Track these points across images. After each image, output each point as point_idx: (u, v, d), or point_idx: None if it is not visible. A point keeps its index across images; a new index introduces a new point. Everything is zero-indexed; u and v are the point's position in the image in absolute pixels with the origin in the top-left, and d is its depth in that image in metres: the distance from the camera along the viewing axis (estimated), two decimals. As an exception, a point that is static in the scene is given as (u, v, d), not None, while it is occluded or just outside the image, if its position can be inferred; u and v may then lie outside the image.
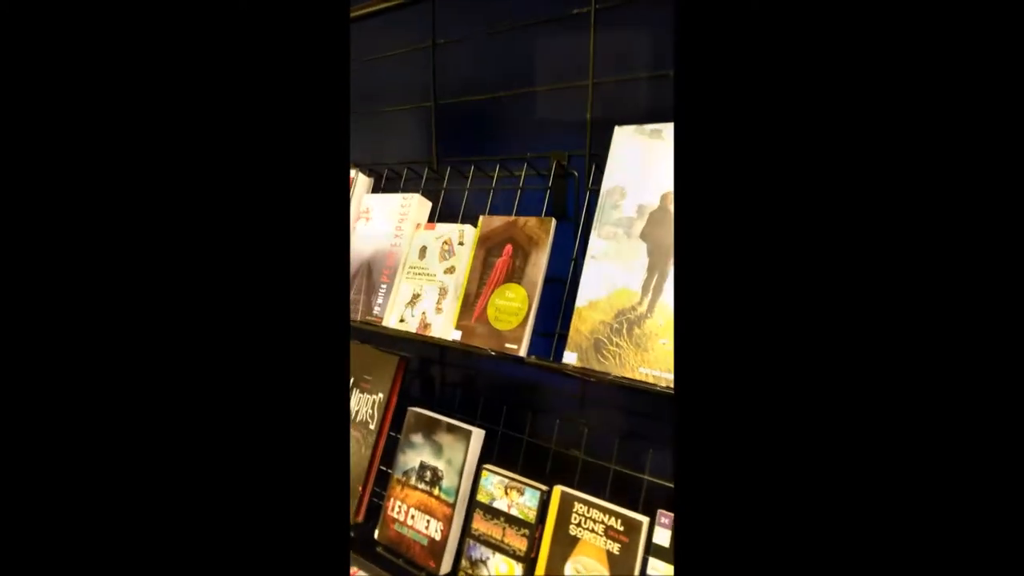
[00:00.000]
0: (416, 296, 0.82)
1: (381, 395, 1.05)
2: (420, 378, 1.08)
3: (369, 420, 1.05)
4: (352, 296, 0.89)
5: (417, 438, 0.99)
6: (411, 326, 0.80)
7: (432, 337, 0.77)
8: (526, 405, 0.94)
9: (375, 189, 0.99)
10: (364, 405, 1.08)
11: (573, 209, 0.83)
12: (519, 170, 0.88)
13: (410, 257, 0.85)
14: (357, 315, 0.87)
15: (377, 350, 1.09)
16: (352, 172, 0.98)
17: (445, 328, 0.77)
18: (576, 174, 0.81)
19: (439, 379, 1.08)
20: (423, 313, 0.80)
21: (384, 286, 0.86)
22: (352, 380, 1.11)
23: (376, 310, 0.85)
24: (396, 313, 0.83)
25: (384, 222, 0.90)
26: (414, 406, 1.02)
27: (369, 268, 0.89)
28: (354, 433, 1.06)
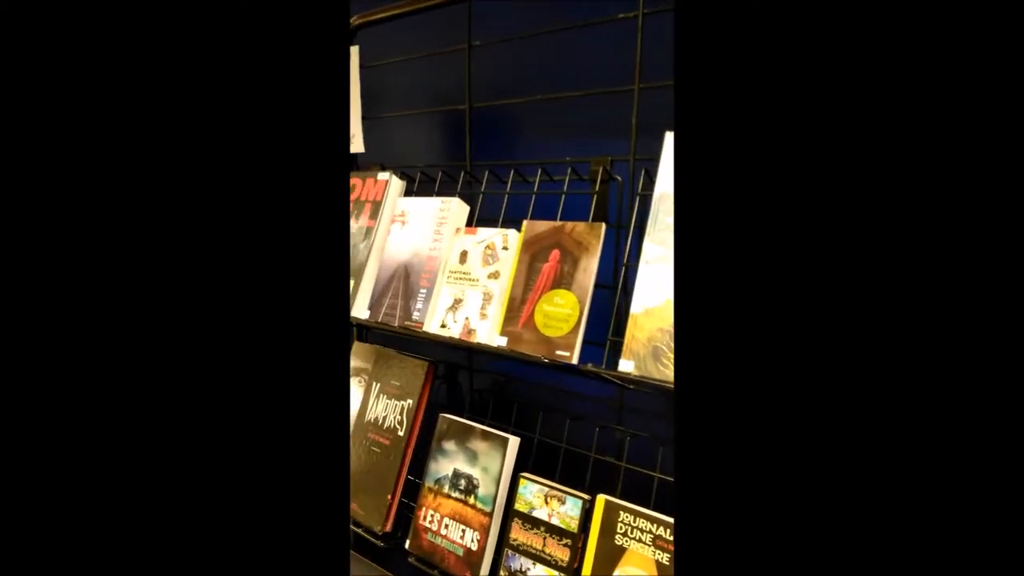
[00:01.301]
0: (458, 301, 0.80)
1: (410, 401, 1.04)
2: (449, 384, 1.07)
3: (397, 427, 1.04)
4: (388, 301, 0.88)
5: (449, 445, 0.98)
6: (453, 332, 0.79)
7: (477, 343, 0.76)
8: (560, 412, 0.93)
9: (407, 193, 0.97)
10: (392, 411, 1.06)
11: (615, 215, 0.82)
12: (558, 175, 0.87)
13: (450, 261, 0.83)
14: (395, 320, 0.85)
15: (405, 355, 1.08)
16: (385, 175, 0.96)
17: (490, 334, 0.76)
18: (620, 179, 0.81)
19: (469, 385, 1.07)
20: (466, 319, 0.78)
21: (423, 291, 0.84)
22: (378, 386, 1.09)
23: (416, 315, 0.83)
24: (437, 318, 0.81)
25: (422, 226, 0.88)
26: (444, 412, 1.00)
27: (406, 272, 0.88)
28: (381, 440, 1.04)
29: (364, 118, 1.11)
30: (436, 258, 0.85)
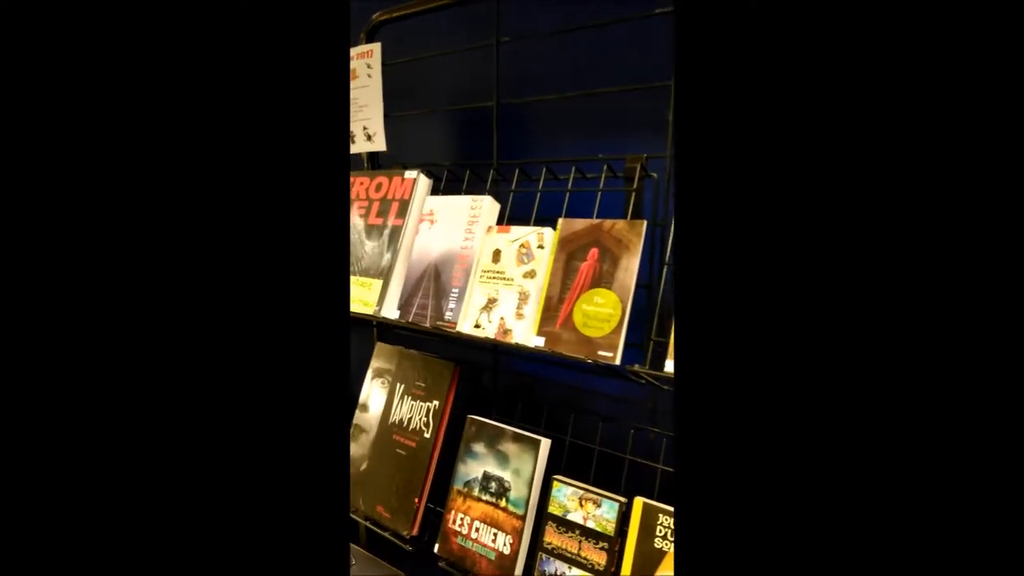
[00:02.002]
0: (492, 301, 0.79)
1: (436, 403, 1.02)
2: (476, 385, 1.05)
3: (423, 428, 1.02)
4: (419, 301, 0.86)
5: (479, 447, 0.96)
6: (488, 332, 0.77)
7: (515, 344, 0.74)
8: (592, 414, 0.91)
9: (433, 191, 0.96)
10: (417, 413, 1.05)
11: (650, 212, 0.81)
12: (590, 173, 0.85)
13: (483, 260, 0.82)
14: (426, 320, 0.84)
15: (430, 356, 1.06)
16: (413, 173, 0.95)
17: (527, 334, 0.74)
18: (655, 176, 0.79)
19: (496, 386, 1.05)
20: (501, 318, 0.77)
21: (455, 290, 0.83)
22: (402, 387, 1.08)
23: (448, 315, 0.82)
24: (471, 318, 0.80)
25: (452, 225, 0.87)
26: (471, 414, 0.99)
27: (436, 272, 0.86)
28: (406, 442, 1.02)
29: (386, 116, 1.10)
30: (468, 257, 0.83)
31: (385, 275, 0.91)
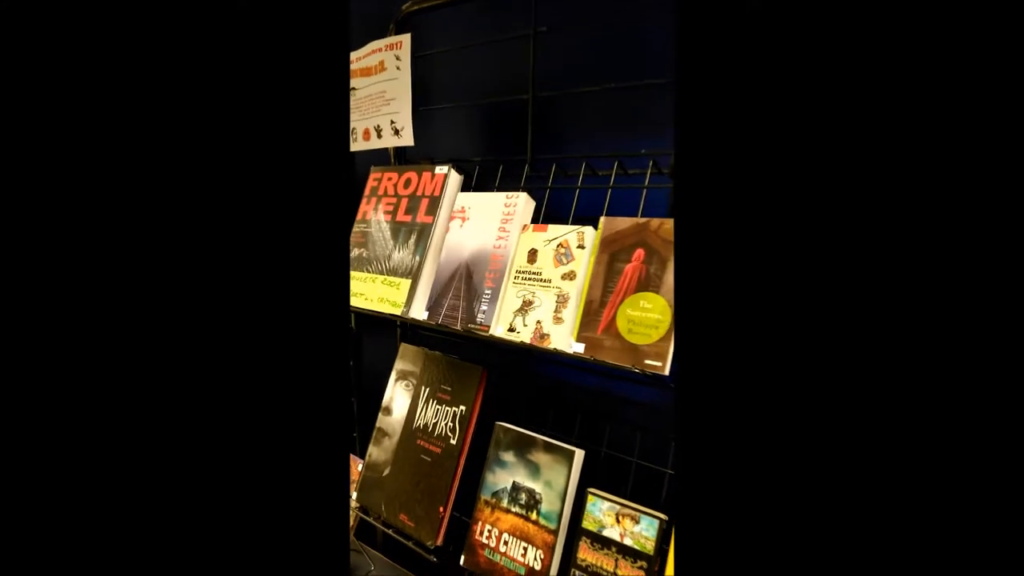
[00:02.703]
0: (528, 303, 0.75)
1: (463, 408, 0.98)
2: (504, 390, 1.01)
3: (449, 434, 0.98)
4: (449, 302, 0.82)
5: (508, 456, 0.92)
6: (524, 336, 0.73)
7: (554, 349, 0.70)
8: (627, 422, 0.87)
9: (465, 187, 0.92)
10: (442, 418, 1.01)
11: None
12: (632, 169, 0.81)
13: (518, 260, 0.78)
14: (457, 323, 0.80)
15: (454, 359, 1.02)
16: (444, 168, 0.91)
17: (565, 339, 0.70)
18: (704, 173, 0.74)
19: (526, 392, 1.01)
20: (538, 322, 0.72)
21: (488, 292, 0.79)
22: (427, 391, 1.04)
23: (480, 317, 0.78)
24: (504, 321, 0.76)
25: (484, 223, 0.83)
26: (498, 420, 0.95)
27: (468, 272, 0.82)
28: (431, 448, 0.99)
29: (415, 110, 1.06)
30: (502, 257, 0.79)
31: (414, 275, 0.87)
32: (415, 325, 0.86)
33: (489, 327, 0.77)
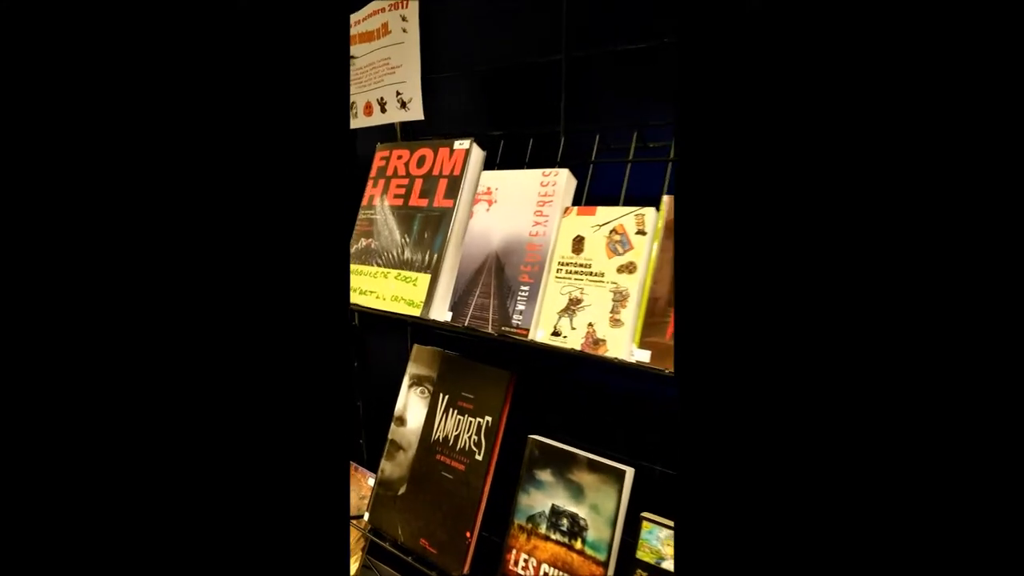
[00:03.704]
0: (575, 302, 0.62)
1: (489, 419, 0.87)
2: (536, 397, 0.89)
3: (475, 449, 0.87)
4: (477, 300, 0.70)
5: (544, 475, 0.81)
6: (573, 342, 0.61)
7: (611, 358, 0.58)
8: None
9: (488, 165, 0.79)
10: (465, 430, 0.89)
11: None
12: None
13: (560, 250, 0.65)
14: (487, 325, 0.68)
15: (476, 363, 0.90)
16: (465, 143, 0.78)
17: (625, 346, 0.58)
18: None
19: (561, 399, 0.89)
20: (590, 325, 0.60)
21: (525, 288, 0.66)
22: (446, 399, 0.92)
23: (516, 319, 0.65)
24: (547, 324, 0.63)
25: (517, 205, 0.70)
26: (530, 432, 0.83)
27: (499, 264, 0.70)
28: (454, 464, 0.87)
29: (424, 78, 0.92)
30: (540, 246, 0.67)
31: (433, 268, 0.75)
32: (439, 328, 0.74)
33: (528, 331, 0.64)
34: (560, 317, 0.63)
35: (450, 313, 0.72)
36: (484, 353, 0.91)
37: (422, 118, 0.95)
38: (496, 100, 0.94)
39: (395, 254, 0.80)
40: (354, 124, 1.09)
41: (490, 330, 0.67)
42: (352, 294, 0.83)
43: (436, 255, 0.75)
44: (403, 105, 0.97)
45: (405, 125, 1.02)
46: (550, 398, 0.90)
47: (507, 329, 0.66)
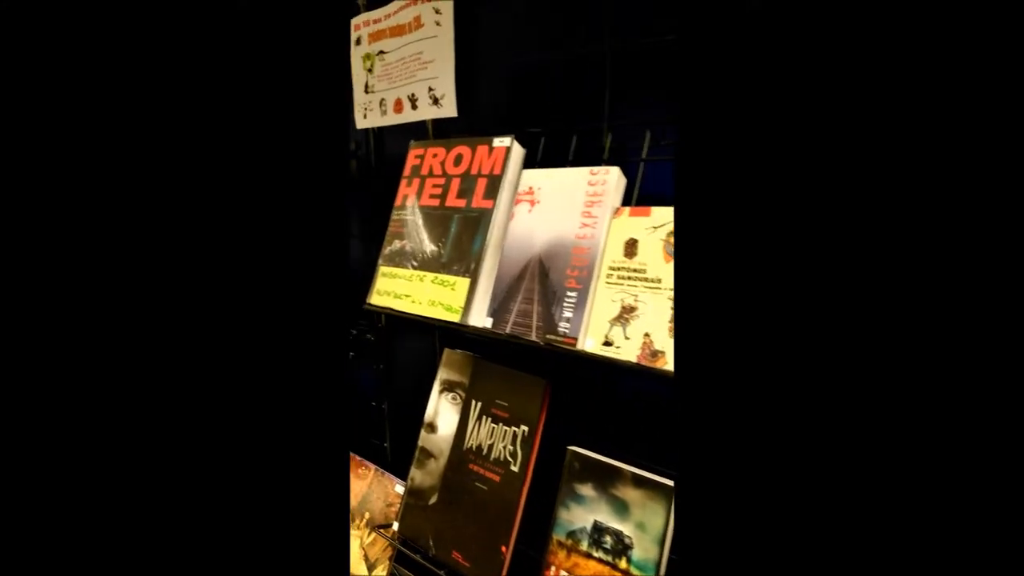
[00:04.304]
0: (629, 309, 0.59)
1: (525, 428, 0.83)
2: (574, 406, 0.86)
3: (510, 459, 0.83)
4: (519, 306, 0.67)
5: (586, 490, 0.77)
6: (627, 353, 0.57)
7: (670, 372, 0.54)
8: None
9: (528, 163, 0.76)
10: (500, 439, 0.86)
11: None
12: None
13: (611, 254, 0.61)
14: (531, 333, 0.64)
15: (510, 369, 0.87)
16: (505, 140, 0.74)
17: (685, 358, 0.54)
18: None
19: (601, 408, 0.85)
20: (646, 335, 0.57)
21: (572, 294, 0.63)
22: (479, 406, 0.89)
23: (563, 328, 0.62)
24: (598, 333, 0.60)
25: (562, 206, 0.66)
26: (568, 443, 0.79)
27: (543, 268, 0.66)
28: (488, 475, 0.84)
29: (459, 74, 0.89)
30: (588, 249, 0.63)
31: (473, 272, 0.71)
32: (473, 334, 0.71)
33: (576, 340, 0.61)
34: (612, 326, 0.59)
35: (490, 319, 0.69)
36: (512, 358, 0.88)
37: (455, 115, 0.92)
38: (532, 96, 0.90)
39: (431, 257, 0.77)
40: (383, 122, 1.06)
41: (534, 338, 0.64)
42: (386, 298, 0.80)
43: (475, 258, 0.72)
44: (436, 101, 0.94)
45: (437, 122, 0.99)
46: (587, 407, 0.86)
47: (553, 337, 0.62)
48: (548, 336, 0.63)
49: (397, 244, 0.81)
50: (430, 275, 0.76)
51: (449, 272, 0.74)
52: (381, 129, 1.16)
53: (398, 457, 1.28)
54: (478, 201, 0.74)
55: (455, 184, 0.77)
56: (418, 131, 1.02)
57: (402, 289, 0.78)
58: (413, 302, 0.76)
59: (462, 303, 0.70)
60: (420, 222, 0.80)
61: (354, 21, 1.09)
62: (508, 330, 0.66)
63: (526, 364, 0.86)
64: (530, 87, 0.90)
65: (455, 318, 0.70)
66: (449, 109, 0.94)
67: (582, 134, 0.75)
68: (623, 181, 0.66)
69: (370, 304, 0.81)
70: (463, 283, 0.72)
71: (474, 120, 0.96)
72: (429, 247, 0.77)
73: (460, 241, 0.74)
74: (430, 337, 1.11)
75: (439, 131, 1.00)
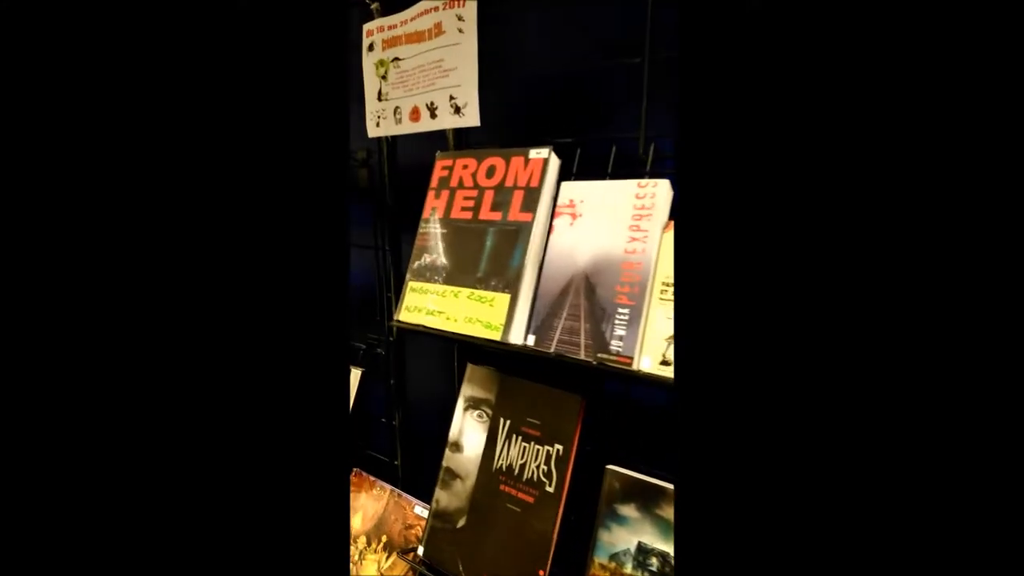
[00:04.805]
0: (687, 327, 0.57)
1: (559, 447, 0.81)
2: (609, 422, 0.84)
3: (544, 480, 0.81)
4: (564, 323, 0.64)
5: (627, 510, 0.75)
6: (687, 372, 0.55)
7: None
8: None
9: (564, 175, 0.74)
10: (532, 458, 0.83)
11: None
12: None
13: (664, 269, 0.60)
14: (579, 351, 0.62)
15: (541, 385, 0.84)
16: (543, 151, 0.72)
17: (750, 377, 0.52)
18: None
19: (639, 424, 0.83)
20: (707, 353, 0.55)
21: (624, 311, 0.61)
22: (508, 424, 0.86)
23: (615, 346, 0.60)
24: (654, 352, 0.58)
25: (608, 220, 0.65)
26: (607, 462, 0.77)
27: (588, 285, 0.64)
28: (521, 496, 0.81)
29: (482, 80, 0.87)
30: (639, 264, 0.61)
31: (513, 288, 0.69)
32: (516, 352, 0.68)
33: (631, 359, 0.59)
34: (669, 344, 0.57)
35: (532, 337, 0.66)
36: (538, 374, 0.85)
37: (478, 124, 0.89)
38: (559, 106, 0.89)
39: (465, 271, 0.74)
40: (398, 130, 1.03)
41: (583, 357, 0.61)
42: (416, 314, 0.77)
43: (515, 273, 0.69)
44: (457, 110, 0.91)
45: (458, 132, 0.96)
46: (625, 422, 0.84)
47: (605, 356, 0.60)
48: (600, 355, 0.60)
49: (427, 258, 0.78)
50: (465, 291, 0.73)
51: (487, 288, 0.71)
52: (394, 138, 1.12)
53: (412, 476, 1.24)
54: (515, 214, 0.71)
55: (488, 196, 0.75)
56: (431, 141, 1.00)
57: (434, 305, 0.75)
58: (447, 319, 0.73)
59: (503, 320, 0.68)
60: (452, 235, 0.77)
61: (366, 27, 1.06)
62: (553, 348, 0.64)
63: (553, 380, 0.83)
64: (557, 98, 0.88)
65: (495, 336, 0.67)
66: (472, 118, 0.91)
67: (612, 144, 0.74)
68: (671, 194, 0.64)
69: (399, 321, 0.78)
70: (503, 299, 0.69)
71: (496, 130, 0.94)
72: (463, 261, 0.75)
73: (497, 255, 0.71)
74: (446, 352, 1.08)
75: (460, 140, 0.98)
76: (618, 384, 0.85)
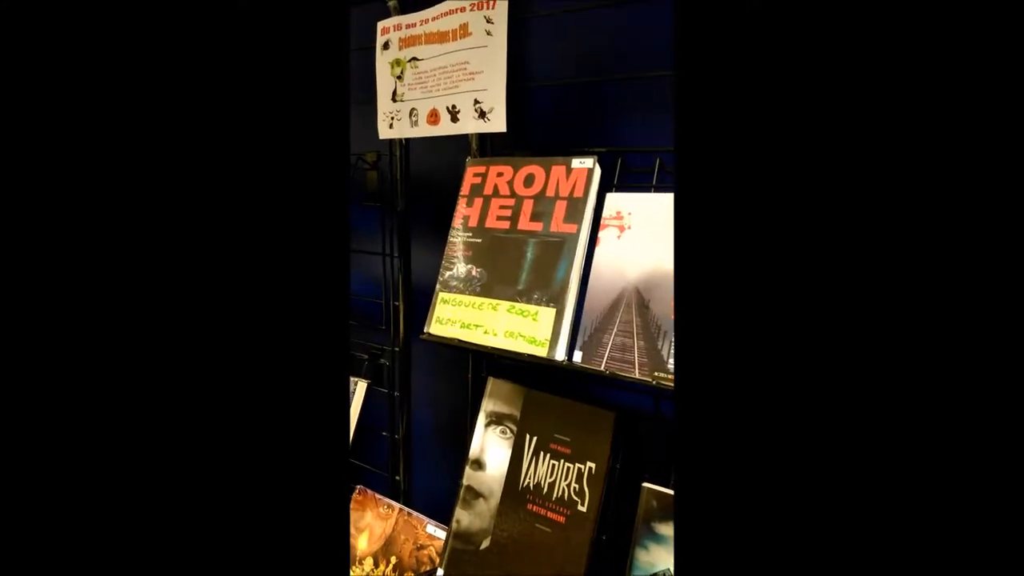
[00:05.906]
0: (750, 346, 0.56)
1: (592, 465, 0.78)
2: (642, 438, 0.82)
3: (576, 499, 0.78)
4: (615, 339, 0.62)
5: (665, 528, 0.73)
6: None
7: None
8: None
9: (605, 186, 0.72)
10: (562, 477, 0.80)
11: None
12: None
13: (722, 286, 0.59)
14: (634, 369, 0.60)
15: (569, 400, 0.82)
16: (586, 162, 0.70)
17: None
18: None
19: (671, 440, 0.82)
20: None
21: (682, 328, 0.59)
22: (535, 441, 0.83)
23: (673, 364, 0.58)
24: (715, 370, 0.56)
25: (658, 232, 0.63)
26: (639, 478, 0.75)
27: (641, 299, 0.62)
28: (552, 516, 0.78)
29: (510, 86, 0.84)
30: (695, 281, 0.60)
31: (559, 301, 0.66)
32: (562, 368, 0.65)
33: (691, 377, 0.57)
34: (731, 363, 0.56)
35: (579, 353, 0.64)
36: (561, 388, 0.83)
37: (504, 130, 0.86)
38: (589, 113, 0.87)
39: (504, 283, 0.71)
40: (413, 133, 0.99)
41: (639, 376, 0.59)
42: (449, 327, 0.73)
43: (561, 286, 0.67)
44: (482, 115, 0.88)
45: (483, 138, 0.93)
46: (658, 438, 0.82)
47: (663, 375, 0.58)
48: (657, 374, 0.59)
49: (459, 268, 0.75)
50: (505, 303, 0.70)
51: (529, 301, 0.68)
52: (407, 141, 1.08)
53: (421, 494, 1.19)
54: (558, 225, 0.69)
55: (527, 206, 0.72)
56: (444, 145, 0.96)
57: (470, 318, 0.72)
58: (486, 332, 0.70)
59: (548, 335, 0.65)
60: (487, 245, 0.74)
61: (381, 24, 1.02)
62: (603, 366, 0.62)
63: (578, 394, 0.81)
64: (586, 105, 0.86)
65: (541, 352, 0.65)
66: (498, 124, 0.88)
67: (648, 155, 0.72)
68: (724, 208, 0.63)
69: (430, 334, 0.74)
70: (547, 313, 0.66)
71: (521, 136, 0.91)
72: (501, 273, 0.72)
73: (540, 267, 0.69)
74: (457, 363, 1.04)
75: (483, 147, 0.94)
76: (650, 400, 0.83)
